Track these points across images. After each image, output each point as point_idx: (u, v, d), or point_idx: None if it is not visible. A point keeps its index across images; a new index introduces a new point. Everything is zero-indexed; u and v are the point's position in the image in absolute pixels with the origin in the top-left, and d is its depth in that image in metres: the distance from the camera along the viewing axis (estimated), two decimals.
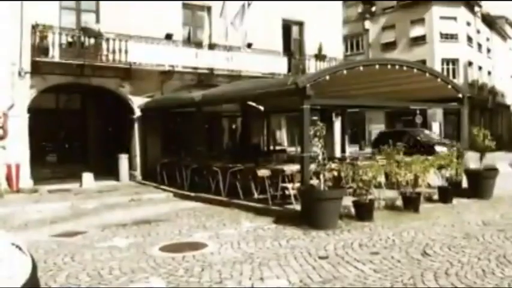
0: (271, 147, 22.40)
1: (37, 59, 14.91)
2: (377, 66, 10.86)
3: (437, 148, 20.16)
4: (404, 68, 11.31)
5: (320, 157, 8.98)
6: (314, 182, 9.43)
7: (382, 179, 10.54)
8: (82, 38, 16.00)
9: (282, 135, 33.22)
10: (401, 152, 10.67)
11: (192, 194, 12.86)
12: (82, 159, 18.65)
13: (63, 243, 7.83)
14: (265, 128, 21.41)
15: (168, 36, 17.48)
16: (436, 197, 11.40)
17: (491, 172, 12.03)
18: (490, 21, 45.27)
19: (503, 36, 51.24)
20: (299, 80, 9.75)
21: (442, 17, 37.09)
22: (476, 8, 41.00)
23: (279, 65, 19.76)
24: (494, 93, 45.21)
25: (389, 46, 39.42)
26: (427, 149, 19.62)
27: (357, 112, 31.65)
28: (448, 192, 11.21)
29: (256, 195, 11.16)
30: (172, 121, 19.58)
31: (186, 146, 17.60)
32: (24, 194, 13.95)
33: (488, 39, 45.60)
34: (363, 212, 9.16)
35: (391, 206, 10.29)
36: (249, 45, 18.68)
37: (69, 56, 15.53)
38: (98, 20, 16.70)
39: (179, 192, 13.57)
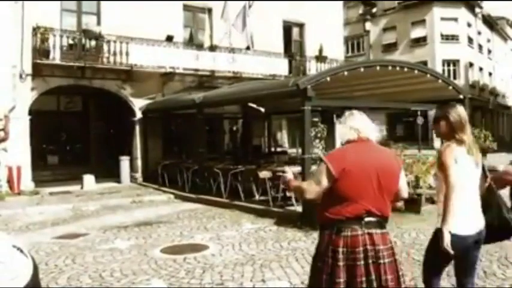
0: (272, 149, 22.40)
1: (38, 61, 14.93)
2: (378, 68, 10.84)
3: None
4: (405, 69, 11.29)
5: None
6: None
7: None
8: (83, 40, 16.03)
9: (283, 136, 33.23)
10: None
11: (193, 196, 12.86)
12: (83, 161, 18.67)
13: (65, 245, 7.83)
14: (266, 130, 21.42)
15: (169, 38, 17.49)
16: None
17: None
18: (490, 22, 45.29)
19: (504, 37, 51.27)
20: (300, 81, 9.75)
21: (442, 18, 37.10)
22: (477, 9, 41.01)
23: (280, 67, 19.78)
24: (495, 94, 45.20)
25: (390, 47, 39.45)
26: None
27: None
28: None
29: (257, 197, 11.16)
30: (173, 123, 19.61)
31: (187, 148, 17.62)
32: (26, 196, 13.95)
33: (489, 40, 45.59)
34: None
35: (392, 208, 10.26)
36: (249, 47, 18.69)
37: (70, 58, 15.56)
38: (98, 22, 16.73)
39: (180, 194, 13.57)
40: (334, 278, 3.00)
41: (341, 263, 2.98)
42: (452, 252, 3.34)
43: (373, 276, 2.97)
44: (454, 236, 3.34)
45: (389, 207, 3.22)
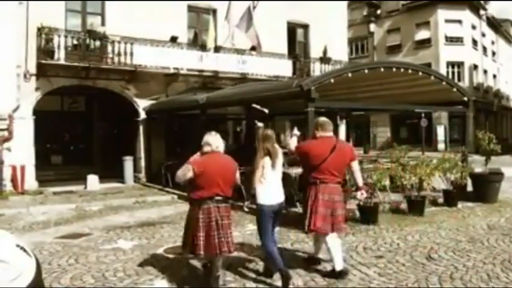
0: None
1: (42, 61, 14.98)
2: (382, 69, 10.84)
3: None
4: (409, 71, 11.28)
5: None
6: None
7: (387, 182, 10.50)
8: (87, 41, 16.06)
9: (287, 137, 33.02)
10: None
11: None
12: (87, 161, 18.72)
13: (68, 245, 7.84)
14: None
15: (173, 39, 17.50)
16: (441, 200, 11.36)
17: (497, 176, 11.97)
18: (495, 25, 45.16)
19: (509, 39, 51.08)
20: (304, 82, 9.74)
21: (447, 20, 37.01)
22: (482, 11, 40.90)
23: (284, 68, 19.76)
24: (500, 96, 45.04)
25: (395, 49, 39.36)
26: None
27: (362, 115, 31.57)
28: (453, 196, 11.17)
29: None
30: (177, 123, 19.60)
31: (191, 149, 17.60)
32: (29, 196, 13.99)
33: (493, 43, 45.47)
34: (368, 215, 9.13)
35: (395, 210, 10.26)
36: (254, 48, 18.69)
37: (74, 59, 15.61)
38: (103, 23, 16.77)
39: (183, 195, 13.49)
40: (197, 232, 5.25)
41: (201, 224, 5.24)
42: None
43: (215, 232, 5.23)
44: (264, 205, 5.54)
45: (230, 191, 5.47)
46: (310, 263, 6.39)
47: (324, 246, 6.10)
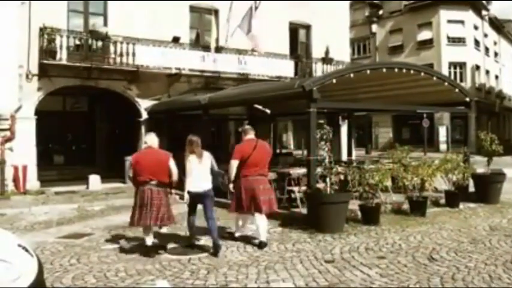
0: (278, 150, 22.35)
1: (45, 61, 14.99)
2: (384, 70, 10.82)
3: None
4: (412, 71, 11.26)
5: (326, 160, 8.96)
6: (320, 185, 9.40)
7: (388, 183, 10.48)
8: (89, 41, 16.08)
9: (289, 138, 33.14)
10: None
11: None
12: (89, 161, 18.74)
13: (70, 245, 7.85)
14: (272, 131, 21.40)
15: (175, 39, 17.50)
16: (442, 201, 11.34)
17: (499, 176, 11.94)
18: (497, 25, 45.10)
19: (511, 40, 51.01)
20: (306, 83, 9.72)
21: (449, 21, 36.97)
22: (484, 12, 40.84)
23: (286, 68, 19.73)
24: (502, 97, 44.96)
25: (397, 49, 39.33)
26: None
27: (364, 115, 31.57)
28: (454, 197, 11.15)
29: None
30: (179, 124, 19.61)
31: None
32: (31, 196, 14.01)
33: (495, 43, 45.41)
34: (370, 215, 9.12)
35: (397, 210, 10.26)
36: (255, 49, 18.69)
37: (76, 59, 15.63)
38: (105, 23, 16.78)
39: (184, 195, 13.53)
40: (135, 209, 7.05)
41: (138, 202, 6.99)
42: (186, 203, 7.30)
43: (147, 208, 6.92)
44: (190, 192, 7.09)
45: (166, 178, 7.05)
46: (233, 238, 8.01)
47: (242, 224, 8.17)
